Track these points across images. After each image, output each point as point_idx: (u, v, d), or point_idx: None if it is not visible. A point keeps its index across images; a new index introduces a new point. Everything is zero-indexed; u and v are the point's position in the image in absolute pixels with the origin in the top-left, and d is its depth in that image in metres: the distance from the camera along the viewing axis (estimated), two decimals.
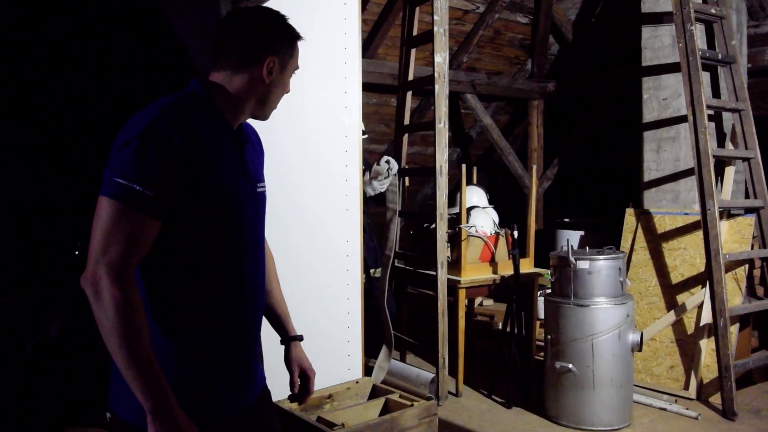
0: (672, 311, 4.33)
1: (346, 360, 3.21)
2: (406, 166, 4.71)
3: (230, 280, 1.52)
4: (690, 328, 4.24)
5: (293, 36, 1.58)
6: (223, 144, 1.51)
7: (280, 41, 1.55)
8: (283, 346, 1.80)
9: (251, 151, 1.64)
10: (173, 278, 1.45)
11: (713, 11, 4.39)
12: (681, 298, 4.34)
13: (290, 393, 1.79)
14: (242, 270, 1.55)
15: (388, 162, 4.07)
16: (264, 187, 1.66)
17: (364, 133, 3.60)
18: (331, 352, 3.14)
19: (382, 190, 4.15)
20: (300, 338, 1.81)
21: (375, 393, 3.27)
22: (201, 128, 1.45)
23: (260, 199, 1.64)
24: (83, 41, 2.16)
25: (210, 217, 1.45)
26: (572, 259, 3.66)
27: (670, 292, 4.41)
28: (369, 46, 5.38)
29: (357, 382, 3.23)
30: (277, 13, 1.58)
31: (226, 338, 1.52)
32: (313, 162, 3.06)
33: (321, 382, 2.90)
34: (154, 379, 1.31)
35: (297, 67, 1.62)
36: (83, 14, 2.13)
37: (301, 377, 1.79)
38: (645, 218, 4.71)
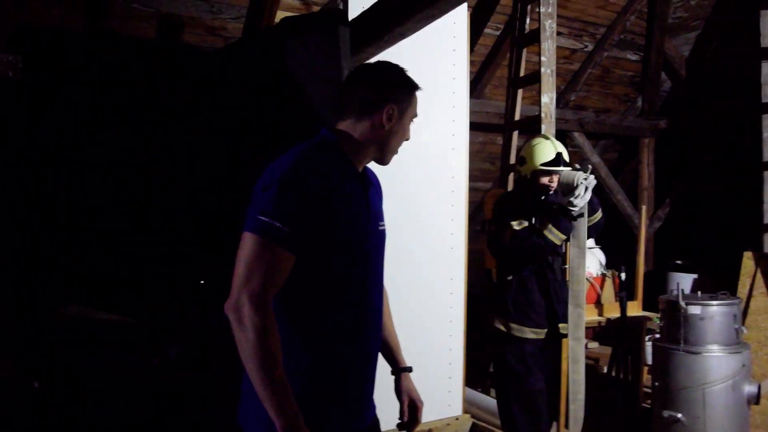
0: None
1: (447, 396, 3.26)
2: None
3: (354, 310, 1.64)
4: None
5: (411, 86, 1.71)
6: (351, 186, 1.65)
7: (399, 90, 1.69)
8: (392, 377, 1.90)
9: (373, 192, 1.77)
10: (304, 306, 1.59)
11: None
12: None
13: (398, 421, 1.88)
14: (365, 301, 1.67)
15: (587, 179, 3.05)
16: (384, 225, 1.79)
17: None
18: (432, 387, 3.20)
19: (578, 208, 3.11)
20: (410, 369, 1.90)
21: (474, 430, 3.30)
22: (331, 172, 1.60)
23: (381, 236, 1.77)
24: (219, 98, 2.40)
25: (338, 251, 1.59)
26: (683, 303, 3.54)
27: None
28: (476, 86, 5.49)
29: (457, 419, 3.27)
30: (396, 66, 1.73)
31: (346, 366, 1.64)
32: (421, 202, 3.18)
33: (424, 416, 2.97)
34: (286, 399, 1.44)
35: (415, 115, 1.75)
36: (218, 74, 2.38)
37: (410, 407, 1.87)
38: (765, 263, 4.48)
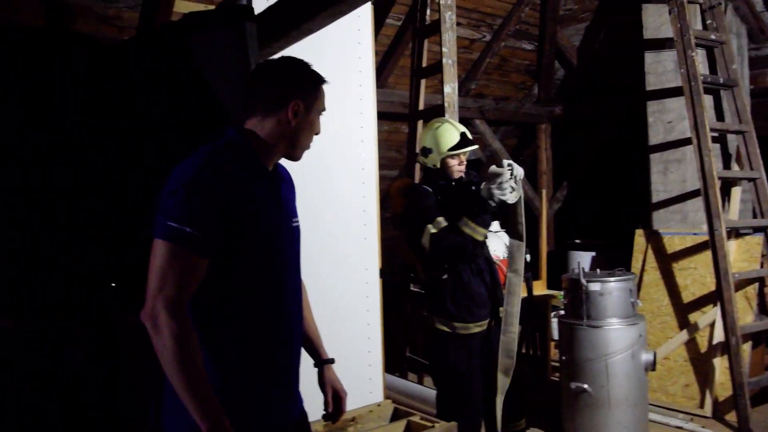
0: (684, 330, 4.40)
1: (368, 383, 3.30)
2: None
3: (271, 309, 1.65)
4: (703, 346, 4.31)
5: (316, 80, 1.70)
6: (261, 185, 1.64)
7: (303, 85, 1.67)
8: (315, 370, 1.92)
9: (286, 189, 1.77)
10: (220, 308, 1.58)
11: (713, 37, 4.52)
12: (693, 317, 4.42)
13: (324, 412, 1.91)
14: (282, 299, 1.68)
15: (510, 166, 2.87)
16: (297, 221, 1.79)
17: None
18: (353, 375, 3.22)
19: (510, 201, 2.85)
20: (332, 361, 1.94)
21: (396, 415, 3.35)
22: (239, 172, 1.58)
23: (295, 233, 1.77)
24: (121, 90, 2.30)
25: (251, 251, 1.59)
26: (584, 281, 3.75)
27: (682, 311, 4.49)
28: (380, 76, 5.53)
29: (379, 405, 3.31)
30: (300, 61, 1.72)
31: (268, 363, 1.65)
32: (334, 194, 3.18)
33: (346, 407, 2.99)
34: (209, 402, 1.45)
35: (323, 109, 1.73)
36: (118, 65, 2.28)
37: (334, 398, 1.91)
38: (654, 239, 4.80)
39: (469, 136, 3.12)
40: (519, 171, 2.90)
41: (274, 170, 1.73)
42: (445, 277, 3.05)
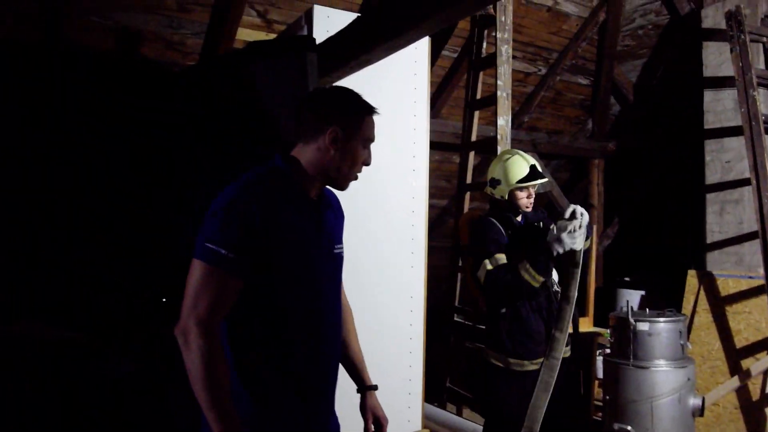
0: (736, 376, 4.26)
1: (407, 412, 3.31)
2: None
3: (304, 334, 1.67)
4: (755, 394, 4.16)
5: (361, 108, 1.69)
6: (301, 211, 1.66)
7: (344, 113, 1.67)
8: (358, 395, 1.94)
9: (331, 216, 1.78)
10: (252, 331, 1.62)
11: None
12: (745, 363, 4.27)
13: None
14: (317, 325, 1.70)
15: (574, 213, 2.73)
16: (341, 248, 1.81)
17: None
18: (392, 402, 3.24)
19: (577, 248, 2.71)
20: (375, 387, 1.94)
21: None
22: (279, 200, 1.62)
23: (337, 260, 1.79)
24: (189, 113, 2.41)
25: (285, 276, 1.62)
26: (632, 320, 3.69)
27: (734, 356, 4.35)
28: (434, 106, 5.61)
29: None
30: (346, 90, 1.73)
31: (298, 389, 1.67)
32: (383, 222, 3.24)
33: None
34: (231, 422, 1.48)
35: (371, 139, 1.72)
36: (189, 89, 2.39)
37: (375, 424, 1.92)
38: (708, 281, 4.69)
39: (540, 168, 3.05)
40: (587, 217, 2.76)
41: (319, 197, 1.74)
42: (503, 311, 2.94)
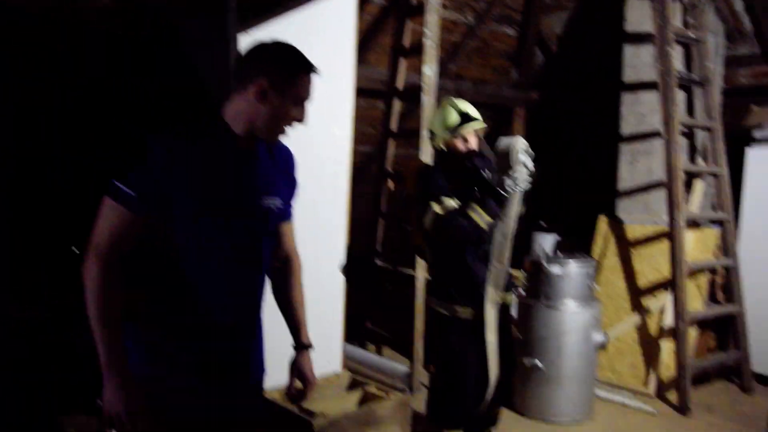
0: (636, 313, 4.60)
1: (327, 353, 3.42)
2: (390, 170, 4.94)
3: (208, 285, 1.65)
4: (653, 329, 4.52)
5: (295, 65, 1.62)
6: (223, 163, 1.64)
7: (275, 67, 1.60)
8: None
9: (268, 167, 1.74)
10: (160, 277, 1.64)
11: (692, 35, 4.64)
12: (646, 301, 4.61)
13: (287, 393, 1.95)
14: (232, 276, 1.68)
15: (525, 152, 2.81)
16: (273, 201, 1.75)
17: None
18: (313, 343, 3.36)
19: (519, 184, 2.79)
20: (309, 346, 1.93)
21: (353, 385, 3.49)
22: (198, 149, 1.61)
23: (264, 211, 1.73)
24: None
25: (191, 225, 1.60)
26: (545, 263, 3.91)
27: (637, 296, 4.68)
28: (360, 53, 5.58)
29: (337, 375, 3.45)
30: (284, 44, 1.65)
31: (199, 357, 1.67)
32: (305, 170, 3.27)
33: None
34: (115, 344, 1.55)
35: (303, 98, 1.64)
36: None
37: (304, 383, 1.93)
38: (617, 226, 4.98)
39: (474, 114, 3.01)
40: (520, 148, 2.79)
41: (252, 147, 1.69)
42: (449, 259, 2.96)
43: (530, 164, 2.79)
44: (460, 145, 2.98)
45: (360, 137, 6.15)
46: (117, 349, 1.56)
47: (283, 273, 1.94)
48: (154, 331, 1.66)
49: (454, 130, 2.95)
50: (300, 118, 1.66)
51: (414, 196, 3.10)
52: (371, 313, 4.94)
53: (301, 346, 1.92)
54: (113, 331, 1.55)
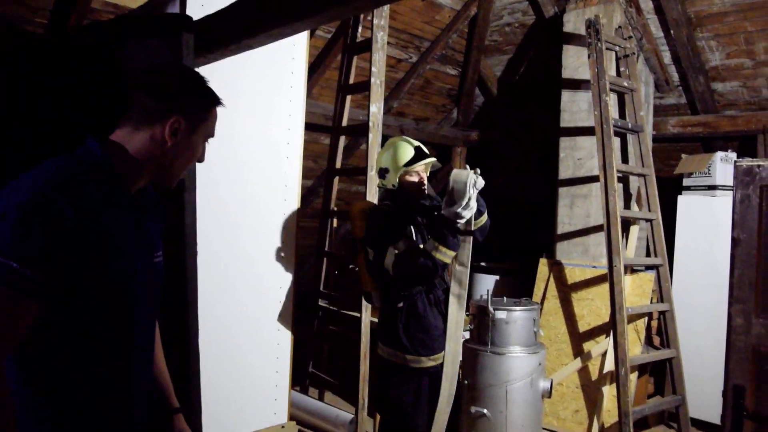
0: (578, 358, 4.63)
1: (273, 404, 3.26)
2: (335, 209, 4.83)
3: (117, 359, 1.41)
4: (594, 374, 4.55)
5: (209, 99, 1.47)
6: (120, 212, 1.39)
7: (191, 102, 1.44)
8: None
9: (151, 217, 1.53)
10: (52, 362, 1.32)
11: (626, 84, 4.80)
12: (587, 345, 4.65)
13: None
14: (130, 347, 1.45)
15: (475, 177, 2.82)
16: (160, 256, 1.54)
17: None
18: (258, 394, 3.19)
19: (470, 214, 2.82)
20: (181, 410, 1.74)
21: None
22: (96, 197, 1.32)
23: (156, 270, 1.52)
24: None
25: (96, 295, 1.33)
26: (491, 308, 3.87)
27: (578, 339, 4.71)
28: None
29: (282, 427, 3.29)
30: (195, 74, 1.49)
31: (109, 418, 1.42)
32: (256, 206, 3.14)
33: (249, 425, 2.95)
34: None
35: (211, 134, 1.50)
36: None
37: None
38: (557, 268, 5.03)
39: (425, 150, 3.01)
40: (481, 183, 2.78)
41: (138, 195, 1.46)
42: (400, 305, 2.89)
43: (480, 186, 2.79)
44: (414, 181, 2.95)
45: (302, 171, 6.04)
46: None
47: None
48: (48, 422, 1.33)
49: (408, 165, 2.91)
50: (203, 158, 1.51)
51: (363, 239, 3.04)
52: (314, 355, 4.76)
53: (174, 410, 1.73)
54: None
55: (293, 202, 3.33)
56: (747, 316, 2.40)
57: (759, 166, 2.55)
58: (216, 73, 2.69)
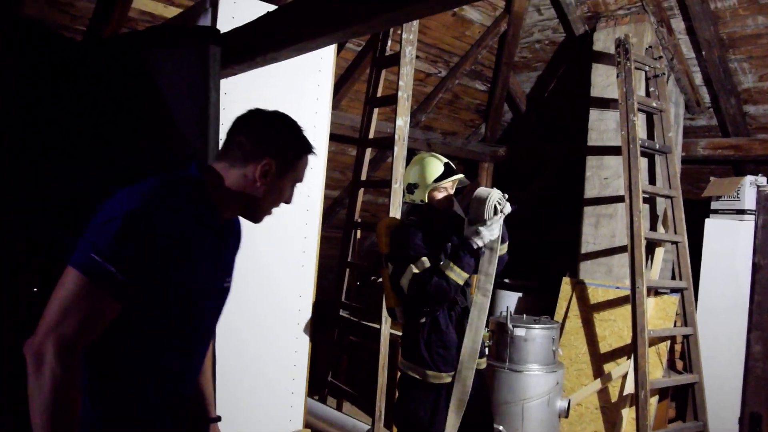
0: (599, 379, 4.58)
1: (289, 411, 3.29)
2: (359, 220, 4.87)
3: (173, 365, 1.53)
4: (614, 396, 4.49)
5: (301, 147, 1.57)
6: (207, 236, 1.51)
7: (283, 148, 1.54)
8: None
9: (232, 244, 1.66)
10: (117, 357, 1.43)
11: (654, 104, 4.77)
12: (608, 367, 4.60)
13: None
14: (188, 356, 1.57)
15: (500, 202, 2.77)
16: (230, 281, 1.66)
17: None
18: (275, 401, 3.22)
19: (493, 237, 2.77)
20: (218, 419, 1.84)
21: None
22: (190, 218, 1.44)
23: (224, 293, 1.64)
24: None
25: (172, 305, 1.45)
26: (510, 325, 3.86)
27: (598, 360, 4.66)
28: (333, 98, 5.56)
29: None
30: (291, 122, 1.59)
31: (157, 415, 1.53)
32: (275, 217, 3.18)
33: (264, 430, 2.99)
34: None
35: (299, 180, 1.60)
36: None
37: None
38: (580, 288, 4.99)
39: (453, 166, 3.01)
40: (508, 208, 2.75)
41: (226, 222, 1.59)
42: (423, 320, 2.87)
43: (507, 211, 2.76)
44: (442, 197, 2.95)
45: (328, 182, 6.09)
46: None
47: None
48: (111, 411, 1.46)
49: (438, 181, 2.91)
50: (290, 200, 1.61)
51: (389, 256, 3.03)
52: (333, 365, 4.79)
53: (211, 420, 1.83)
54: None
55: (315, 212, 3.37)
56: (765, 343, 2.36)
57: None
58: (242, 83, 2.77)
